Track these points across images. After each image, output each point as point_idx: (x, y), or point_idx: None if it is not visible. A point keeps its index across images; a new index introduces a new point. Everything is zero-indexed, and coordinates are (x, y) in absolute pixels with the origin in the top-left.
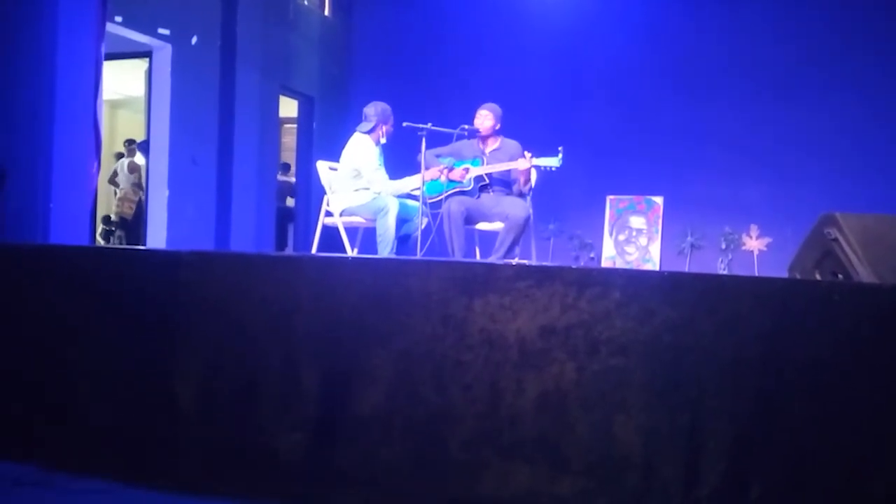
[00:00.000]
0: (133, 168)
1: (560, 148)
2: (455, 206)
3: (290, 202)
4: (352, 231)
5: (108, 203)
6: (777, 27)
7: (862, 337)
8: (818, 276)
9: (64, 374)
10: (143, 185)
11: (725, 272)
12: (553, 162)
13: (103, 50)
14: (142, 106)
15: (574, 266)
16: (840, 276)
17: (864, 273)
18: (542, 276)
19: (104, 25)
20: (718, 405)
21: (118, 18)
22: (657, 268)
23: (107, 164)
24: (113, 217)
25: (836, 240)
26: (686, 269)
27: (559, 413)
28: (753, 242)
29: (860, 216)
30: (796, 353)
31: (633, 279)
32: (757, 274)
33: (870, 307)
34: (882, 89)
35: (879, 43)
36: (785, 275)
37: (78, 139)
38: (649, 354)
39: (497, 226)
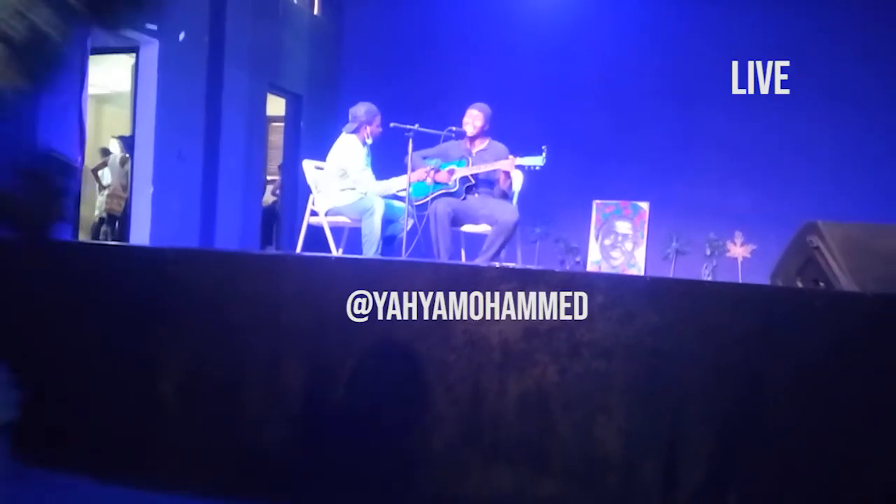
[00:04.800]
0: (125, 163)
1: (544, 147)
2: (441, 208)
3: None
4: (337, 231)
5: (91, 200)
6: (765, 34)
7: (842, 344)
8: (800, 284)
9: (46, 369)
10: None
11: (710, 278)
12: (537, 161)
13: (89, 44)
14: (128, 101)
15: (559, 269)
16: (821, 283)
17: (844, 281)
18: (526, 278)
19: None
20: (699, 409)
21: None
22: (642, 273)
23: (90, 160)
24: (98, 213)
25: (818, 248)
26: (671, 275)
27: (541, 415)
28: (738, 249)
29: (842, 225)
30: (777, 359)
31: (617, 283)
32: (741, 280)
33: (850, 315)
34: (868, 98)
35: (866, 51)
36: (768, 282)
37: (62, 134)
38: (631, 358)
39: (483, 228)
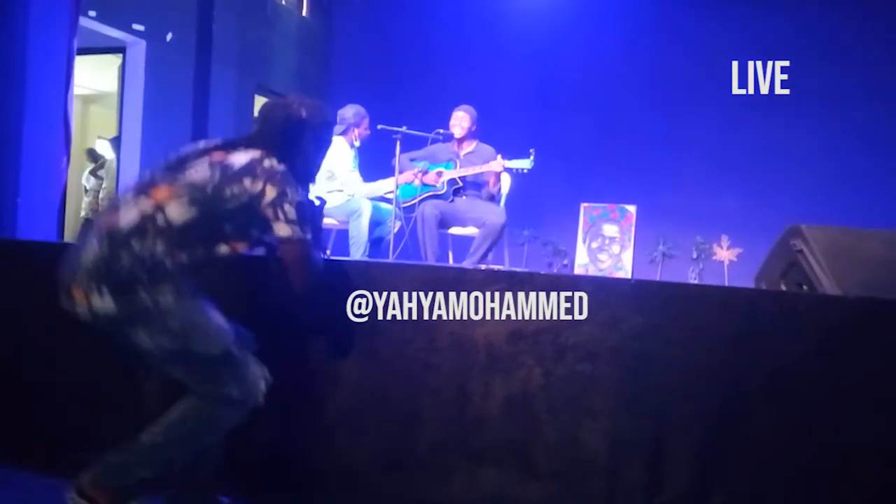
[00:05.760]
0: None
1: (532, 150)
2: (429, 210)
3: None
4: (324, 233)
5: (77, 202)
6: (750, 39)
7: (825, 347)
8: (784, 287)
9: (28, 373)
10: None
11: (696, 281)
12: (525, 164)
13: (76, 44)
14: (114, 102)
15: (545, 272)
16: (805, 287)
17: (827, 285)
18: (511, 280)
19: (77, 19)
20: (683, 412)
21: (92, 13)
22: (629, 276)
23: (77, 162)
24: (84, 214)
25: (801, 251)
26: (658, 278)
27: (526, 417)
28: (724, 252)
29: (826, 228)
30: (761, 362)
31: (602, 286)
32: (727, 284)
33: (833, 318)
34: (853, 103)
35: (851, 57)
36: (753, 285)
37: (48, 134)
38: (616, 361)
39: (471, 230)
